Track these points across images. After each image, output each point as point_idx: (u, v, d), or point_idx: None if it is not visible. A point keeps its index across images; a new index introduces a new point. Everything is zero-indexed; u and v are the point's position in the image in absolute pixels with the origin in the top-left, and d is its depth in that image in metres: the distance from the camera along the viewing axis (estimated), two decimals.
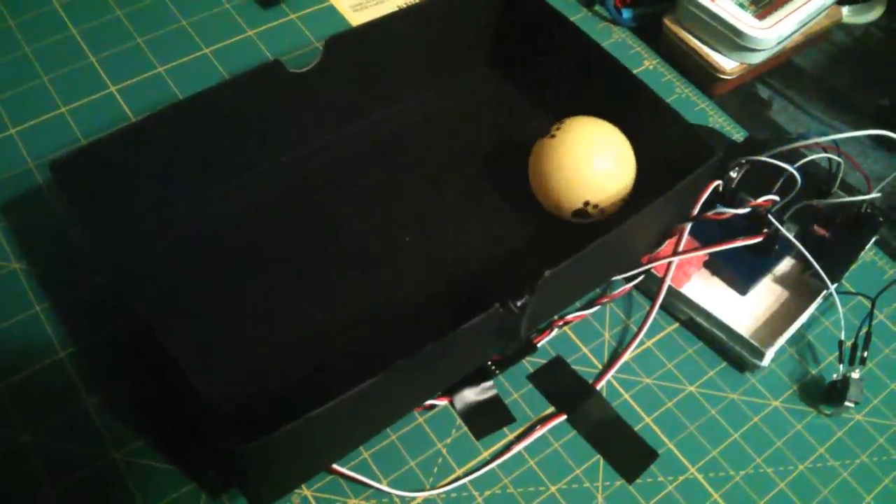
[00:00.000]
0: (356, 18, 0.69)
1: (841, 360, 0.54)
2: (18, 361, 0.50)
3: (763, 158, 0.55)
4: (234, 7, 0.68)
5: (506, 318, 0.46)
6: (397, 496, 0.48)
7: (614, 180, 0.54)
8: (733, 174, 0.56)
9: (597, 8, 0.72)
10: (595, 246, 0.47)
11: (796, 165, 0.55)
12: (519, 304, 0.46)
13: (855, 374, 0.53)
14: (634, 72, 0.58)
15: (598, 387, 0.53)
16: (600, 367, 0.54)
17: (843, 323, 0.54)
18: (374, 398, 0.43)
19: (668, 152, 0.55)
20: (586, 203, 0.54)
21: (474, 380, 0.52)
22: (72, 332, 0.51)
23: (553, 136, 0.54)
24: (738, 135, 0.65)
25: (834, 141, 0.57)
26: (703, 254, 0.55)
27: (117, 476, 0.47)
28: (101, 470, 0.47)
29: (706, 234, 0.55)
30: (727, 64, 0.67)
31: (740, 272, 0.56)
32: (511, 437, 0.51)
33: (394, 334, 0.52)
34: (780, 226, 0.54)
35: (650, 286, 0.56)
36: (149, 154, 0.52)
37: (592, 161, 0.53)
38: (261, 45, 0.66)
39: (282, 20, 0.68)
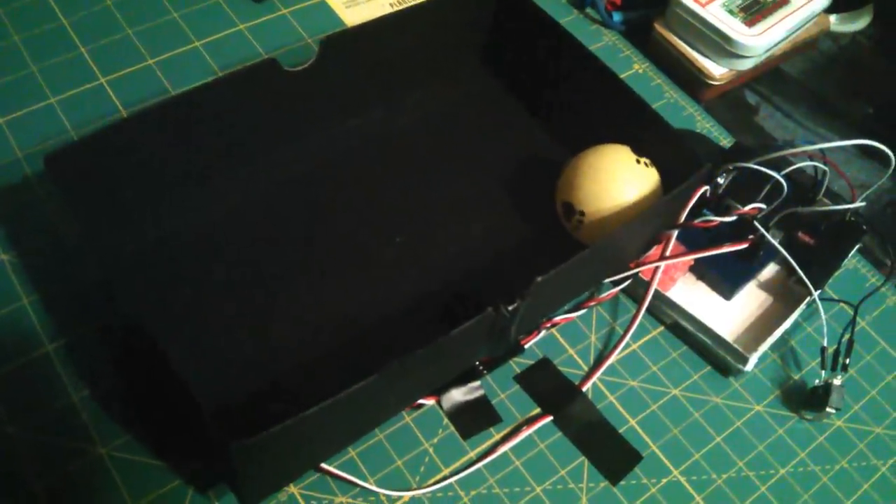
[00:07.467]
0: (347, 14, 0.69)
1: (823, 367, 0.54)
2: (5, 354, 0.50)
3: (750, 165, 0.56)
4: (226, 0, 0.68)
5: (497, 322, 0.46)
6: (384, 495, 0.48)
7: (615, 209, 0.53)
8: (721, 180, 0.57)
9: (588, 10, 0.73)
10: (586, 253, 0.48)
11: (783, 173, 0.55)
12: (511, 308, 0.46)
13: (836, 381, 0.53)
14: (623, 75, 0.58)
15: (584, 389, 0.53)
16: (586, 369, 0.54)
17: (825, 329, 0.55)
18: (364, 399, 0.44)
19: (657, 160, 0.55)
20: (572, 205, 0.54)
21: (462, 380, 0.52)
22: (60, 326, 0.51)
23: (608, 145, 0.55)
24: (725, 140, 0.66)
25: (820, 149, 0.57)
26: (689, 259, 0.56)
27: (104, 470, 0.47)
28: (88, 464, 0.47)
29: (692, 238, 0.56)
30: (716, 69, 0.68)
31: (725, 277, 0.57)
32: (497, 437, 0.51)
33: (385, 335, 0.52)
34: (765, 232, 0.55)
35: (637, 290, 0.56)
36: (142, 150, 0.52)
37: (617, 180, 0.53)
38: (252, 39, 0.66)
39: (273, 14, 0.68)
